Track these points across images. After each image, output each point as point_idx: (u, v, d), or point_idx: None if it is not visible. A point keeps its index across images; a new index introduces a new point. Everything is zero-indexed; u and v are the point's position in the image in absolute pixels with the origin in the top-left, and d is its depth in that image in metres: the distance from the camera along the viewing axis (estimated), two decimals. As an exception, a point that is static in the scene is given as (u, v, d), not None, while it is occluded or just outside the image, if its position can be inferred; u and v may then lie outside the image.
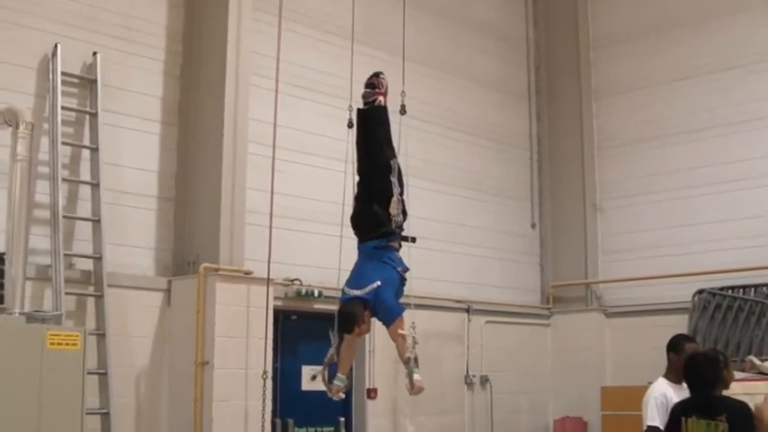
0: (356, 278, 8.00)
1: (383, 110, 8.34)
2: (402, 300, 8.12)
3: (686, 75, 13.91)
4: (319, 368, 8.31)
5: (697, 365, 7.30)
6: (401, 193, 8.11)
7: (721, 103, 13.48)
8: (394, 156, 8.22)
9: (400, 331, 7.76)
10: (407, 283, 8.23)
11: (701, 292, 12.94)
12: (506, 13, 15.17)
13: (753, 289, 12.71)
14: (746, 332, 12.44)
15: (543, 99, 15.37)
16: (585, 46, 15.09)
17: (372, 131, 8.30)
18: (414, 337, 7.70)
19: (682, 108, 13.90)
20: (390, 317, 7.82)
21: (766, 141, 13.01)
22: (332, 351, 8.19)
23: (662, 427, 7.54)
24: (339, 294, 10.97)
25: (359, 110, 8.47)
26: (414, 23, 12.37)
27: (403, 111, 8.59)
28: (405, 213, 8.18)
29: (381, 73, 8.44)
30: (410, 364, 7.66)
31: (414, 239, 8.46)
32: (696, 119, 13.72)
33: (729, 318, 12.64)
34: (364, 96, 8.40)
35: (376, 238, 8.05)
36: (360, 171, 8.41)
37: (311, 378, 8.38)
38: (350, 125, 8.65)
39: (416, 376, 7.66)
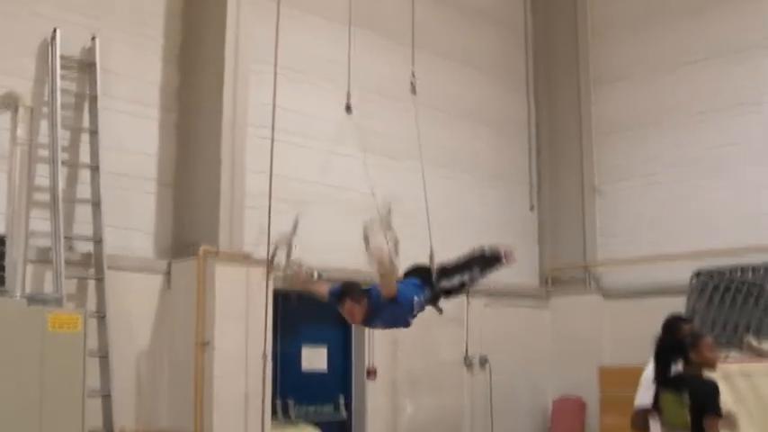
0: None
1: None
2: None
3: (685, 59, 13.92)
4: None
5: (661, 345, 7.46)
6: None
7: (720, 86, 13.50)
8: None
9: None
10: None
11: (698, 274, 12.98)
12: (505, -2, 15.21)
13: (750, 270, 12.75)
14: (744, 313, 12.48)
15: (542, 83, 15.38)
16: (584, 31, 15.11)
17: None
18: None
19: (681, 92, 13.93)
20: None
21: (763, 124, 13.04)
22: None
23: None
24: (340, 275, 11.16)
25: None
26: (409, 5, 12.45)
27: (413, 90, 8.74)
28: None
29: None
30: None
31: (441, 311, 8.60)
32: (694, 102, 13.74)
33: (727, 299, 12.67)
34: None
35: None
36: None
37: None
38: (347, 109, 8.81)
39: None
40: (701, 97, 13.70)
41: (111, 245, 9.61)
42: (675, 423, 7.31)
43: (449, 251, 12.90)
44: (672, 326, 8.07)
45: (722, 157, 13.29)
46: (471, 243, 13.38)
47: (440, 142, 13.29)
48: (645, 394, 7.92)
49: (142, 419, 9.69)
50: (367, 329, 11.53)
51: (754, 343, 10.98)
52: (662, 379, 7.45)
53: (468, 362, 13.04)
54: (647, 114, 14.29)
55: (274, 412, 10.46)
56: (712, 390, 7.23)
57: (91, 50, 9.85)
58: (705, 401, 7.13)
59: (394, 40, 12.15)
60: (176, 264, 10.16)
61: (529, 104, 15.26)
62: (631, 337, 12.92)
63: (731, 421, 7.36)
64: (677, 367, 7.62)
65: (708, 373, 7.40)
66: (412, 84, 8.83)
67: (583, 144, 14.80)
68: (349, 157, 11.80)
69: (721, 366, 9.10)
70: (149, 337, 9.91)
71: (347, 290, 7.97)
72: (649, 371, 7.81)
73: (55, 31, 9.49)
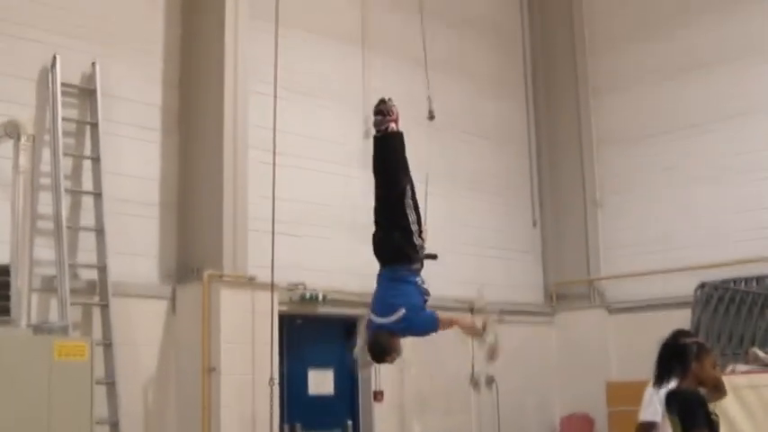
0: (380, 304, 7.84)
1: (398, 136, 8.17)
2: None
3: (684, 68, 13.90)
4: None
5: (665, 348, 7.31)
6: (418, 218, 7.98)
7: (721, 96, 13.47)
8: (409, 181, 8.05)
9: (454, 323, 7.78)
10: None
11: (702, 286, 12.93)
12: (501, 9, 15.18)
13: (755, 281, 12.72)
14: (749, 324, 12.43)
15: (541, 95, 15.36)
16: (582, 41, 15.10)
17: (387, 159, 8.14)
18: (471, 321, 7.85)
19: (681, 102, 13.90)
20: (431, 330, 7.81)
21: (765, 134, 13.02)
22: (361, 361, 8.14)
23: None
24: (345, 297, 11.16)
25: (374, 137, 8.28)
26: (409, 22, 12.47)
27: (431, 116, 8.68)
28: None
29: (390, 99, 8.23)
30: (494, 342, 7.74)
31: (435, 257, 8.40)
32: (695, 113, 13.71)
33: (732, 311, 12.63)
34: (376, 124, 8.21)
35: (399, 264, 7.90)
36: (376, 197, 8.16)
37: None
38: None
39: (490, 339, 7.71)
40: (703, 106, 13.66)
41: (115, 271, 9.57)
42: None
43: (450, 269, 13.01)
44: (677, 336, 8.03)
45: (725, 168, 13.25)
46: (473, 260, 13.52)
47: (439, 158, 13.28)
48: (647, 409, 7.87)
49: (150, 447, 9.67)
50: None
51: (761, 354, 10.95)
52: (659, 384, 7.32)
53: (474, 381, 12.98)
54: (648, 125, 14.26)
55: (282, 438, 10.42)
56: (693, 402, 7.02)
57: (91, 76, 9.85)
58: (686, 417, 6.99)
59: (394, 58, 12.16)
60: (181, 289, 10.13)
61: (528, 117, 15.24)
62: (638, 351, 12.79)
63: None
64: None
65: (704, 392, 7.24)
66: (430, 111, 8.84)
67: (583, 157, 14.78)
68: (351, 178, 11.80)
69: (728, 379, 9.05)
70: (156, 364, 9.88)
71: (383, 356, 7.75)
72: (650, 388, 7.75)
73: (55, 57, 9.48)
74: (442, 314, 7.82)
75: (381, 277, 7.99)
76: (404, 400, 11.87)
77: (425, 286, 7.99)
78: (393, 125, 8.12)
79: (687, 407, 6.96)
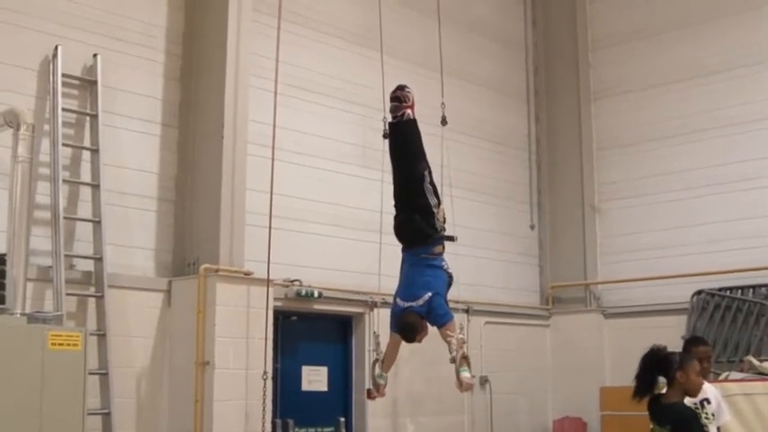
0: (407, 288, 8.11)
1: (413, 123, 8.44)
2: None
3: (685, 76, 13.95)
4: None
5: (647, 365, 7.29)
6: (438, 201, 8.25)
7: (719, 104, 13.52)
8: (427, 166, 8.37)
9: (449, 332, 7.90)
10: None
11: (699, 292, 12.96)
12: (505, 15, 15.19)
13: (751, 289, 12.75)
14: (745, 333, 12.47)
15: (542, 100, 15.39)
16: (584, 47, 15.12)
17: (404, 145, 8.42)
18: (460, 338, 7.86)
19: (680, 109, 13.94)
20: (441, 322, 7.97)
21: (764, 143, 13.04)
22: (380, 355, 8.42)
23: None
24: (341, 295, 11.17)
25: (390, 123, 8.51)
26: (412, 25, 12.49)
27: (444, 122, 9.03)
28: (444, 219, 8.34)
29: (406, 86, 8.50)
30: (457, 363, 7.84)
31: (454, 239, 8.49)
32: (693, 120, 13.76)
33: (728, 318, 12.67)
34: (392, 110, 8.43)
35: (423, 246, 8.14)
36: (396, 182, 8.47)
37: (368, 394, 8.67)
38: (385, 136, 8.69)
39: (465, 374, 7.84)
40: (703, 113, 13.70)
41: (111, 263, 9.58)
42: None
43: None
44: (689, 343, 8.05)
45: (724, 176, 13.28)
46: (471, 261, 13.52)
47: (438, 159, 13.26)
48: None
49: (142, 439, 9.66)
50: (366, 351, 11.51)
51: (755, 362, 10.96)
52: (640, 395, 7.30)
53: (468, 382, 12.99)
54: (648, 131, 14.29)
55: (274, 433, 10.42)
56: (692, 418, 7.09)
57: (92, 68, 9.84)
58: (683, 430, 7.00)
59: (398, 58, 12.14)
60: (176, 282, 10.13)
61: (529, 120, 15.27)
62: (632, 355, 12.85)
63: None
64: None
65: (688, 399, 7.24)
66: (444, 117, 9.01)
67: (583, 161, 14.80)
68: (350, 176, 11.82)
69: (722, 385, 9.07)
70: (149, 356, 9.87)
71: (414, 334, 8.00)
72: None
73: (56, 48, 9.48)
74: (455, 324, 7.99)
75: (406, 261, 8.24)
76: (397, 398, 11.86)
77: (450, 270, 8.23)
78: (409, 111, 8.39)
79: (684, 421, 6.98)
